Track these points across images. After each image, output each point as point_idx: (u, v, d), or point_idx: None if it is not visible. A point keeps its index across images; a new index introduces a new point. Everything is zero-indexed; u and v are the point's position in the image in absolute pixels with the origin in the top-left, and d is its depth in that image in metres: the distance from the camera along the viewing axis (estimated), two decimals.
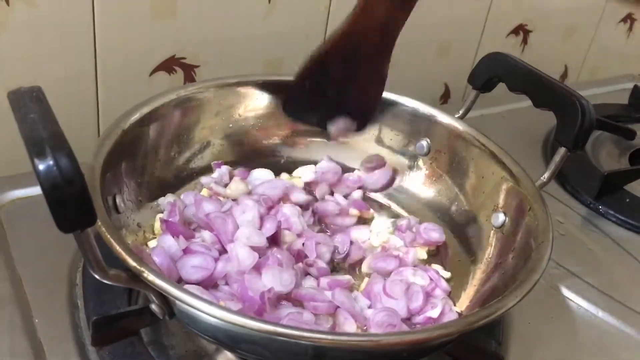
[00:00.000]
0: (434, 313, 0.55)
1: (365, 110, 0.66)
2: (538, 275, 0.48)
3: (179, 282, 0.52)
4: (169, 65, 0.75)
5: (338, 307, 0.52)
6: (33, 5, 0.64)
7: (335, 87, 0.63)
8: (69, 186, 0.35)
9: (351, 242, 0.62)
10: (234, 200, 0.61)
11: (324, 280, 0.56)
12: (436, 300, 0.56)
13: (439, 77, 1.01)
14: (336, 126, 0.65)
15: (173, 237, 0.54)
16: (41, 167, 0.35)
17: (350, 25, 0.59)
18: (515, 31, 1.05)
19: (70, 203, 0.36)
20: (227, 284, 0.53)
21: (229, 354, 0.53)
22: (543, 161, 0.87)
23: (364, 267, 0.61)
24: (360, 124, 0.66)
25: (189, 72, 0.77)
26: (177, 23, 0.73)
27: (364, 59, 0.61)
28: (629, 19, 1.20)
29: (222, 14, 0.75)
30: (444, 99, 1.04)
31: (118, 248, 0.44)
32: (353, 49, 0.60)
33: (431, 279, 0.58)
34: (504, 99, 0.83)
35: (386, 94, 0.68)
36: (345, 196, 0.68)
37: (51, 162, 0.35)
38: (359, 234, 0.64)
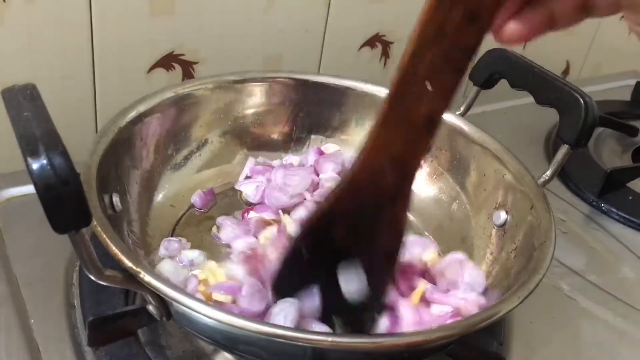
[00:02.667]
0: None
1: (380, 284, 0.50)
2: (541, 276, 0.48)
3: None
4: (167, 62, 0.74)
5: None
6: (30, 2, 0.63)
7: (339, 254, 0.49)
8: (63, 186, 0.35)
9: None
10: None
11: None
12: None
13: None
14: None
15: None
16: (35, 166, 0.34)
17: (358, 170, 0.46)
18: None
19: (65, 203, 0.35)
20: None
21: (226, 355, 0.52)
22: (545, 159, 0.87)
23: None
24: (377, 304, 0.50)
25: (188, 69, 0.76)
26: (175, 19, 0.72)
27: (376, 210, 0.47)
28: None
29: (221, 10, 0.74)
30: None
31: (114, 248, 0.43)
32: (361, 201, 0.47)
33: None
34: (506, 95, 0.82)
35: (386, 91, 0.68)
36: None
37: (45, 162, 0.34)
38: None
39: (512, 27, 0.38)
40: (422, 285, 0.54)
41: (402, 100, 0.42)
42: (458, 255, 0.57)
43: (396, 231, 0.48)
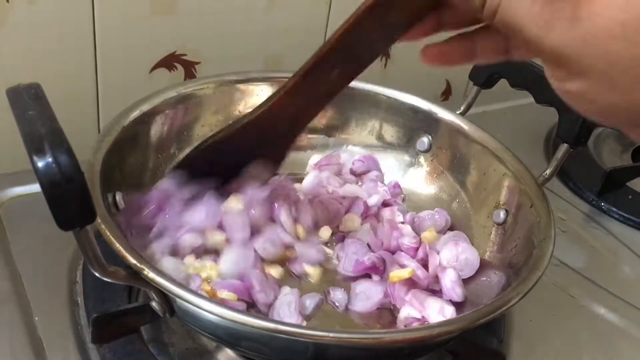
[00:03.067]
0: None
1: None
2: (540, 273, 0.48)
3: None
4: (169, 61, 0.75)
5: None
6: (33, 2, 0.64)
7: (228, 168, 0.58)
8: (68, 183, 0.35)
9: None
10: None
11: None
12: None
13: (441, 73, 1.01)
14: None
15: None
16: (40, 164, 0.35)
17: (254, 120, 0.54)
18: None
19: (70, 200, 0.36)
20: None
21: (229, 352, 0.53)
22: (545, 158, 0.87)
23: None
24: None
25: (190, 69, 0.76)
26: (177, 19, 0.72)
27: (265, 147, 0.57)
28: None
29: (222, 10, 0.75)
30: (445, 96, 1.03)
31: (118, 245, 0.44)
32: (254, 140, 0.56)
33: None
34: (506, 95, 0.82)
35: (387, 90, 0.68)
36: None
37: (50, 160, 0.35)
38: None
39: (434, 51, 0.42)
40: (410, 271, 0.55)
41: (311, 79, 0.51)
42: (455, 233, 0.60)
43: (275, 160, 0.59)
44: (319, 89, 0.52)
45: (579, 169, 0.82)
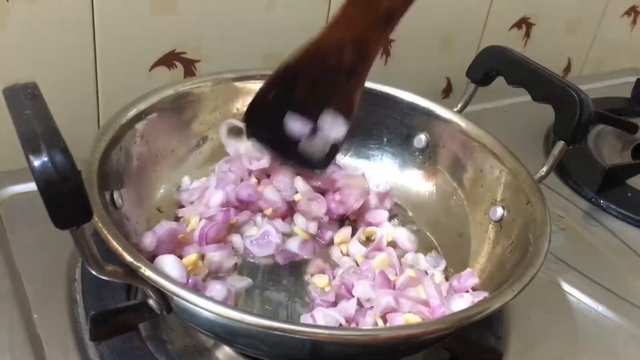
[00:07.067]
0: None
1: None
2: (535, 270, 0.48)
3: None
4: (169, 60, 0.75)
5: None
6: (32, 1, 0.64)
7: (300, 108, 0.57)
8: (64, 182, 0.35)
9: None
10: None
11: None
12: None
13: (441, 71, 1.01)
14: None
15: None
16: (36, 163, 0.35)
17: (323, 38, 0.53)
18: (518, 24, 1.04)
19: (66, 199, 0.36)
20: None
21: (227, 349, 0.53)
22: (544, 155, 0.86)
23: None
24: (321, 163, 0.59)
25: (189, 67, 0.77)
26: (177, 18, 0.72)
27: (334, 80, 0.54)
28: (632, 11, 1.19)
29: (222, 8, 0.75)
30: (445, 93, 1.03)
31: (114, 244, 0.44)
32: (323, 66, 0.54)
33: None
34: (506, 92, 0.82)
35: (385, 88, 0.68)
36: None
37: (46, 159, 0.35)
38: None
39: None
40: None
41: None
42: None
43: (349, 100, 0.55)
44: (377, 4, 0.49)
45: (578, 166, 0.82)
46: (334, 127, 0.57)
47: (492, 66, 0.66)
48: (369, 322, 0.52)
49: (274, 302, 0.55)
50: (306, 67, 0.55)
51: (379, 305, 0.52)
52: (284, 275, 0.58)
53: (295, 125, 0.57)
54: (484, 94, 0.69)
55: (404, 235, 0.63)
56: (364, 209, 0.65)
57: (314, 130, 0.57)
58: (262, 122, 0.58)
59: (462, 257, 0.62)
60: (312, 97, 0.56)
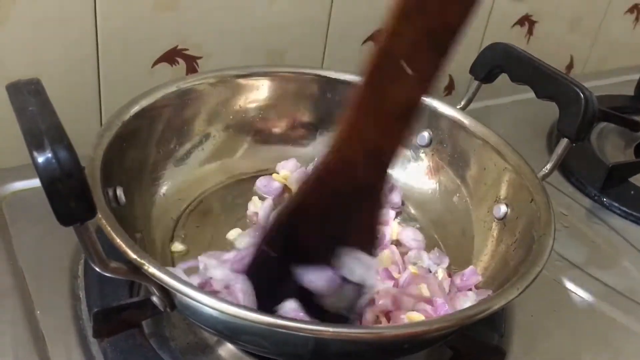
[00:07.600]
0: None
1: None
2: (539, 268, 0.48)
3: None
4: (171, 56, 0.75)
5: None
6: None
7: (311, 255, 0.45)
8: (68, 179, 0.35)
9: None
10: None
11: None
12: None
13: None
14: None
15: None
16: (40, 160, 0.35)
17: (330, 162, 0.42)
18: (521, 22, 1.04)
19: (70, 196, 0.36)
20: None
21: (230, 346, 0.53)
22: (548, 152, 0.87)
23: None
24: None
25: (191, 64, 0.76)
26: (179, 14, 0.72)
27: (349, 207, 0.43)
28: (635, 9, 1.19)
29: (224, 4, 0.75)
30: (448, 90, 1.03)
31: (118, 240, 0.44)
32: (333, 196, 0.43)
33: None
34: (509, 89, 0.82)
35: None
36: None
37: (50, 155, 0.35)
38: None
39: None
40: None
41: (377, 85, 0.38)
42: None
43: (370, 229, 0.45)
44: (393, 98, 0.38)
45: (581, 164, 0.82)
46: (359, 269, 0.45)
47: (496, 63, 0.65)
48: (369, 319, 0.52)
49: None
50: (312, 204, 0.44)
51: (381, 301, 0.52)
52: None
53: (316, 279, 0.46)
54: (487, 91, 0.69)
55: (410, 235, 0.63)
56: None
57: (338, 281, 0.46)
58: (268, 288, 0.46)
59: (466, 254, 0.61)
60: (324, 237, 0.45)
